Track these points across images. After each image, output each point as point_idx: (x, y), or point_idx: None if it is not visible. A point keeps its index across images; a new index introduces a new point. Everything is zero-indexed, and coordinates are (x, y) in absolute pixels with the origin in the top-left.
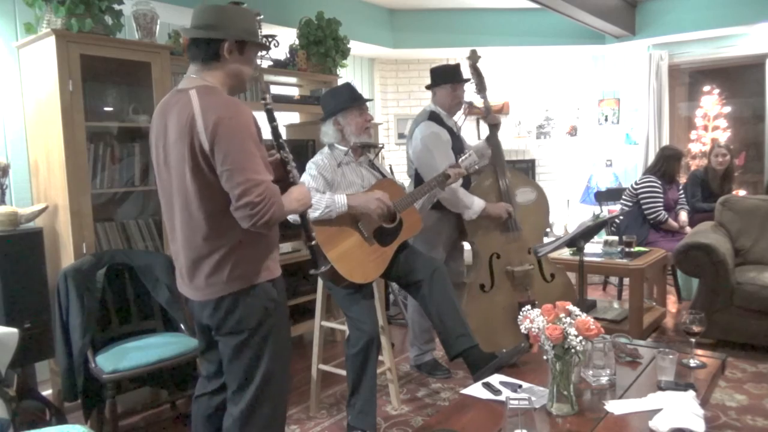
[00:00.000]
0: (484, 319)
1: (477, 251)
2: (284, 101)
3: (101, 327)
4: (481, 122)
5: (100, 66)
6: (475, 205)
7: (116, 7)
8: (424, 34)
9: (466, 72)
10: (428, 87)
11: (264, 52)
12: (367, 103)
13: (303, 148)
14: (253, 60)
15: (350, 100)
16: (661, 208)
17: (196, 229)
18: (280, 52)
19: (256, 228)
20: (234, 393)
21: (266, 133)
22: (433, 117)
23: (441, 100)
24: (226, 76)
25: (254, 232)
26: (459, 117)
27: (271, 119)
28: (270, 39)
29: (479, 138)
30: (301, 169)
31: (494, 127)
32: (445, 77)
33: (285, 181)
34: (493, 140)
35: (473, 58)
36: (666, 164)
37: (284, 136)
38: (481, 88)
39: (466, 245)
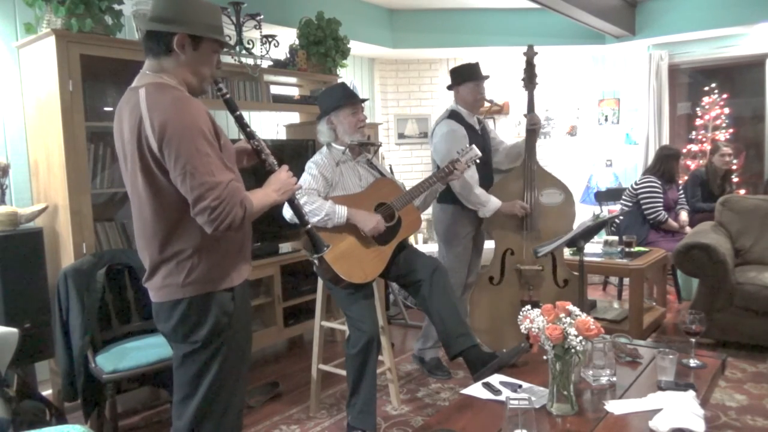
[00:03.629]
0: (489, 310)
1: (495, 244)
2: (284, 101)
3: (101, 327)
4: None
5: (100, 66)
6: (490, 203)
7: (116, 7)
8: (424, 34)
9: (485, 69)
10: (449, 87)
11: (227, 50)
12: (367, 103)
13: (303, 148)
14: (211, 57)
15: (342, 99)
16: (661, 208)
17: (152, 234)
18: (280, 52)
19: (220, 232)
20: (178, 404)
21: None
22: (453, 115)
23: (463, 98)
24: (179, 73)
25: (214, 236)
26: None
27: (232, 109)
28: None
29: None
30: (301, 169)
31: (532, 131)
32: (467, 75)
33: (263, 170)
34: (528, 139)
35: (529, 54)
36: (665, 164)
37: (284, 136)
38: (531, 84)
39: (487, 243)
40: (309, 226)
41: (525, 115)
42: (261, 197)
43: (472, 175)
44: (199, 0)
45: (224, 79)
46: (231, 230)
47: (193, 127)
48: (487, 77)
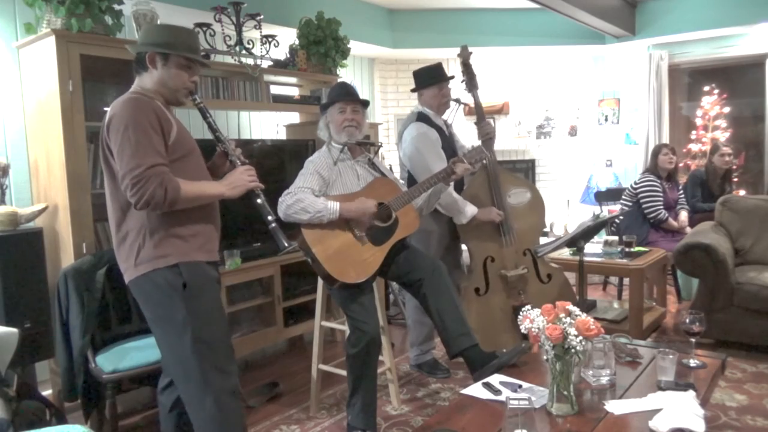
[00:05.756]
0: (481, 322)
1: (472, 255)
2: (284, 101)
3: (101, 327)
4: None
5: (100, 66)
6: (467, 211)
7: (116, 7)
8: (424, 34)
9: (450, 70)
10: (413, 90)
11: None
12: (360, 104)
13: (303, 148)
14: (181, 71)
15: (334, 96)
16: (661, 207)
17: (112, 215)
18: (280, 52)
19: (142, 208)
20: (169, 384)
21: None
22: (421, 118)
23: (428, 101)
24: (155, 86)
25: (156, 217)
26: (450, 115)
27: (204, 116)
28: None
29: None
30: (300, 168)
31: (489, 140)
32: (430, 78)
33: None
34: (486, 149)
35: (464, 54)
36: (652, 161)
37: (284, 136)
38: (471, 86)
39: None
40: (272, 225)
41: (476, 124)
42: (206, 187)
43: None
44: (172, 25)
45: (225, 79)
46: (153, 207)
47: (131, 120)
48: (452, 77)
